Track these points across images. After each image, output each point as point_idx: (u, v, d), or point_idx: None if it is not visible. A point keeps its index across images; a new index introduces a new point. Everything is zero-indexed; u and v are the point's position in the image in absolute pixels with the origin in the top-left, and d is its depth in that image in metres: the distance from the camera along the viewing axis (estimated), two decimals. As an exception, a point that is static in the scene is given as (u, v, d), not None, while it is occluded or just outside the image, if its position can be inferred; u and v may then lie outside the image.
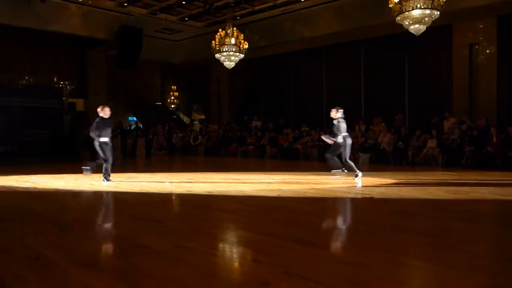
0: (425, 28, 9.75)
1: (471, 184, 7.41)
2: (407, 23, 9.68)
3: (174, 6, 15.61)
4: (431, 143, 11.28)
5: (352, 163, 7.86)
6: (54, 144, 13.99)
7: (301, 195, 6.08)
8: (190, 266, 2.94)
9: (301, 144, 14.15)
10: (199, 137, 17.68)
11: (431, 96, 13.10)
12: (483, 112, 11.91)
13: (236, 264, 3.11)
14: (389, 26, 11.44)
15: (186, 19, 17.00)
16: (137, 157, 16.02)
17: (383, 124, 12.96)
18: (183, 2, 15.26)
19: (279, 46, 16.38)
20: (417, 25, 9.61)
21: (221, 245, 3.62)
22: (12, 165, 10.86)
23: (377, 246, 3.40)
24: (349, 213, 5.42)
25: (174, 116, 21.57)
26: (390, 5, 9.75)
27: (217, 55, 13.95)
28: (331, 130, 7.96)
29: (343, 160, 7.89)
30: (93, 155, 8.39)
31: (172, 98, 22.13)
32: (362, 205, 5.73)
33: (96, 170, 7.98)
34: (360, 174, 7.74)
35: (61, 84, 15.79)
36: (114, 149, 8.00)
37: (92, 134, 7.47)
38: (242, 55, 14.08)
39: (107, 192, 6.77)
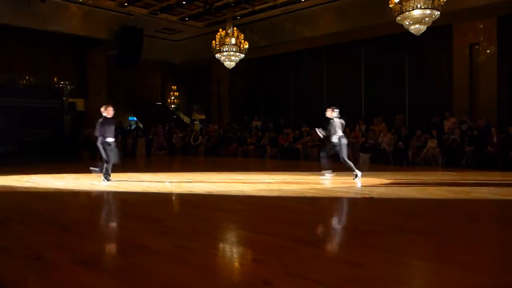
0: (425, 28, 9.75)
1: (471, 184, 7.41)
2: (407, 23, 9.68)
3: (175, 6, 15.62)
4: (432, 143, 11.27)
5: (351, 163, 7.85)
6: (54, 144, 13.97)
7: (301, 195, 6.08)
8: (190, 266, 2.94)
9: (301, 144, 14.14)
10: (200, 137, 17.67)
11: (432, 96, 13.09)
12: (484, 112, 11.90)
13: (236, 264, 3.11)
14: (389, 26, 11.43)
15: (187, 19, 17.01)
16: (137, 157, 16.01)
17: (383, 124, 12.95)
18: (184, 2, 15.26)
19: (279, 46, 16.37)
20: (417, 25, 9.62)
21: (221, 245, 3.62)
22: (12, 165, 10.86)
23: (378, 246, 3.40)
24: (349, 213, 5.42)
25: (175, 116, 21.56)
26: (390, 5, 9.74)
27: (217, 55, 13.95)
28: (326, 129, 7.95)
29: (342, 160, 7.87)
30: (93, 155, 8.39)
31: (173, 98, 22.11)
32: (362, 205, 5.72)
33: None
34: (359, 174, 7.72)
35: (61, 84, 15.83)
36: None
37: (97, 133, 7.56)
38: (242, 55, 14.08)
39: (108, 192, 6.77)
